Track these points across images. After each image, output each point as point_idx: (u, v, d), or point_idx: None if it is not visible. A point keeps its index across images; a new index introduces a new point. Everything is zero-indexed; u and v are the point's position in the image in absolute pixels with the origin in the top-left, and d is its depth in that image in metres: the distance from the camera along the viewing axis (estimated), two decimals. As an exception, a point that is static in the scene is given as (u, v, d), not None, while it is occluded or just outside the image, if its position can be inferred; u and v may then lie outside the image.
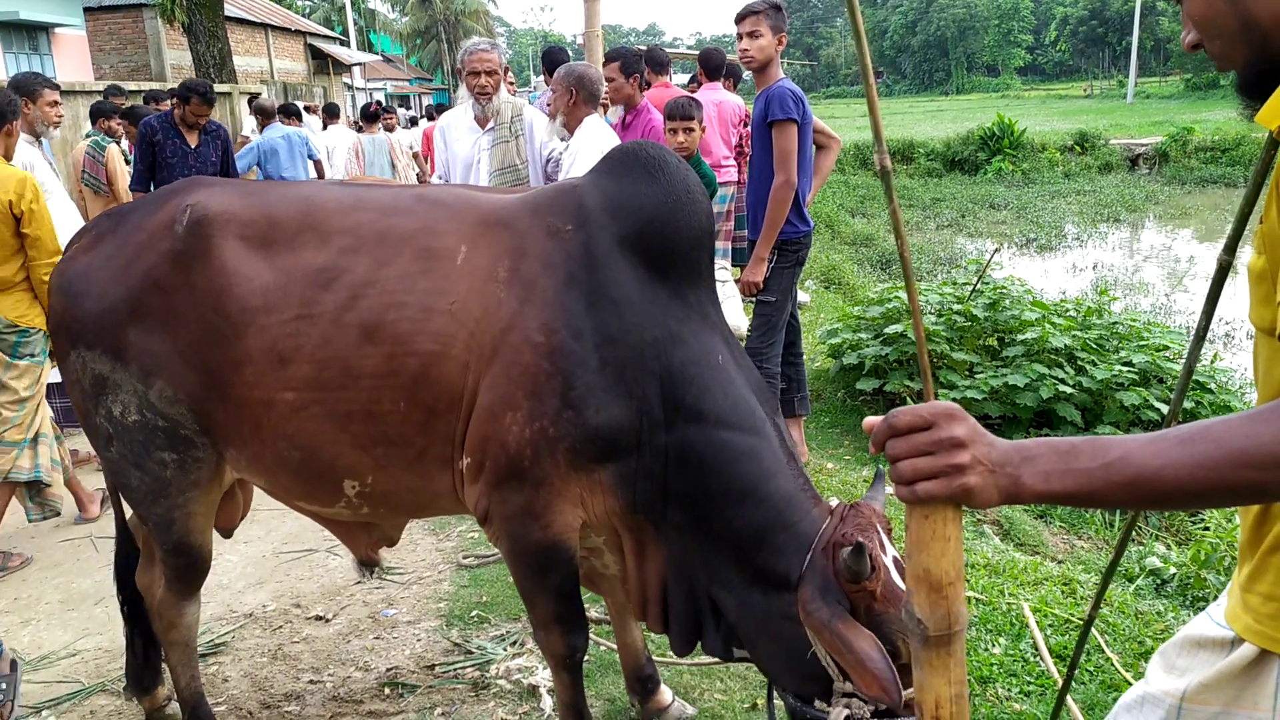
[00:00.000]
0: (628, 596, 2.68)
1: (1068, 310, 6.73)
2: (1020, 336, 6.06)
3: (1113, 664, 3.28)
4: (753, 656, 2.47)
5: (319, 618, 3.89)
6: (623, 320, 2.39)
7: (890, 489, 4.45)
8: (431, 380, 2.43)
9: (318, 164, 10.35)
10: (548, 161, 5.40)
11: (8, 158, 4.61)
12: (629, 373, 2.38)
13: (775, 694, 2.50)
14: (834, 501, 2.42)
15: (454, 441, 2.49)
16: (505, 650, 3.52)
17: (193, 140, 6.90)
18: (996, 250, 7.01)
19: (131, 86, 13.53)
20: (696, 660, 3.22)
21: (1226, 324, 10.01)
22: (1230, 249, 1.66)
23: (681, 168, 2.52)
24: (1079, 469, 1.21)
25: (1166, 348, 6.23)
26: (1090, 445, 1.24)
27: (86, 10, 23.39)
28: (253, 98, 15.32)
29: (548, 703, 3.16)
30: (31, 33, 22.00)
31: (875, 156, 1.15)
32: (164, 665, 3.11)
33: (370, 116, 12.23)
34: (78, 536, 4.79)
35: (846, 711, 2.19)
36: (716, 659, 2.61)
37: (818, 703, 2.30)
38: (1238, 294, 1.40)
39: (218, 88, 15.62)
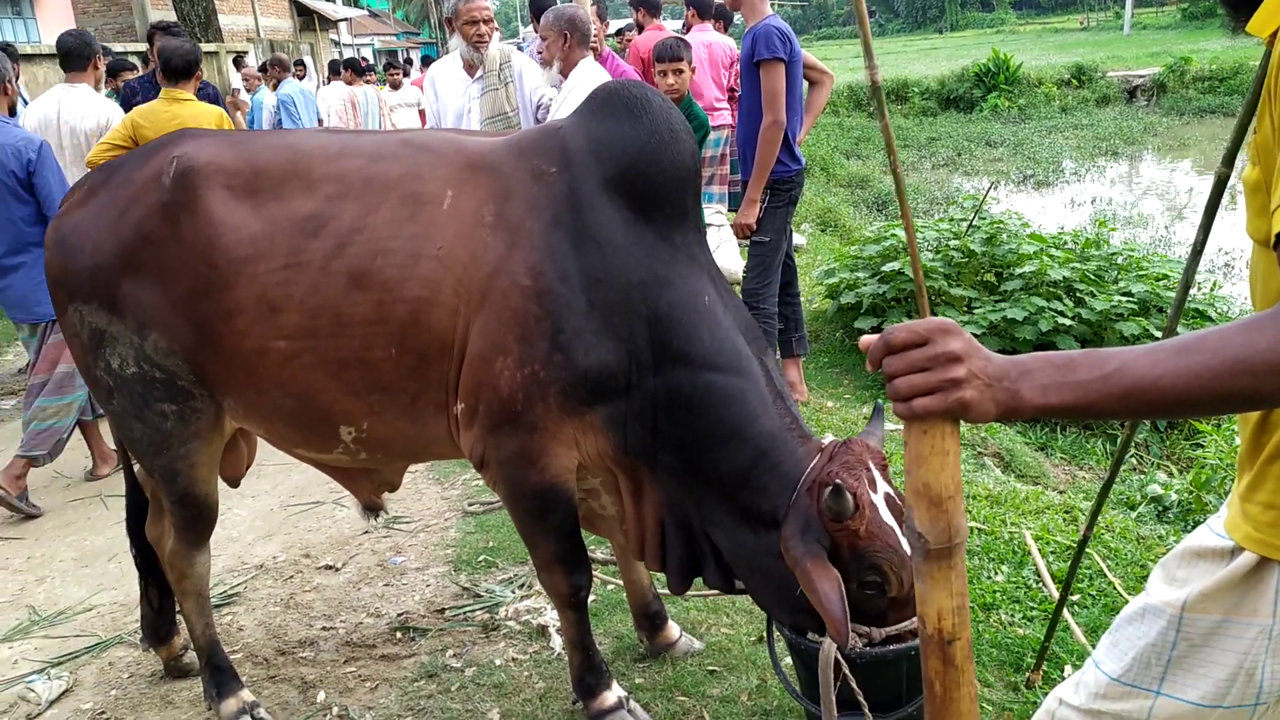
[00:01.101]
0: (625, 537, 2.71)
1: (1066, 243, 6.71)
2: (1018, 270, 6.06)
3: (1115, 587, 3.32)
4: (749, 590, 2.52)
5: (329, 567, 3.94)
6: (608, 262, 2.39)
7: (893, 425, 4.46)
8: (421, 326, 2.43)
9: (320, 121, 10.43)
10: (538, 108, 5.35)
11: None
12: (616, 315, 2.38)
13: (775, 627, 2.54)
14: (828, 439, 2.44)
15: (447, 386, 2.51)
16: (513, 593, 3.57)
17: None
18: (994, 185, 6.97)
19: (118, 48, 13.36)
20: (702, 592, 3.26)
21: (1225, 254, 9.99)
22: (1228, 161, 1.66)
23: (665, 107, 2.49)
24: (1076, 381, 1.22)
25: (1166, 277, 6.22)
26: (1087, 357, 1.25)
27: (68, -29, 23.03)
28: (239, 56, 15.17)
29: (557, 642, 3.21)
30: (13, -4, 21.69)
31: (866, 71, 1.15)
32: (179, 616, 3.16)
33: (359, 70, 12.11)
34: (88, 495, 4.83)
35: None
36: (719, 591, 2.64)
37: (811, 635, 2.34)
38: (1238, 224, 1.40)
39: (204, 47, 15.44)
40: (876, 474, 2.28)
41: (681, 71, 5.25)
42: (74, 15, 21.95)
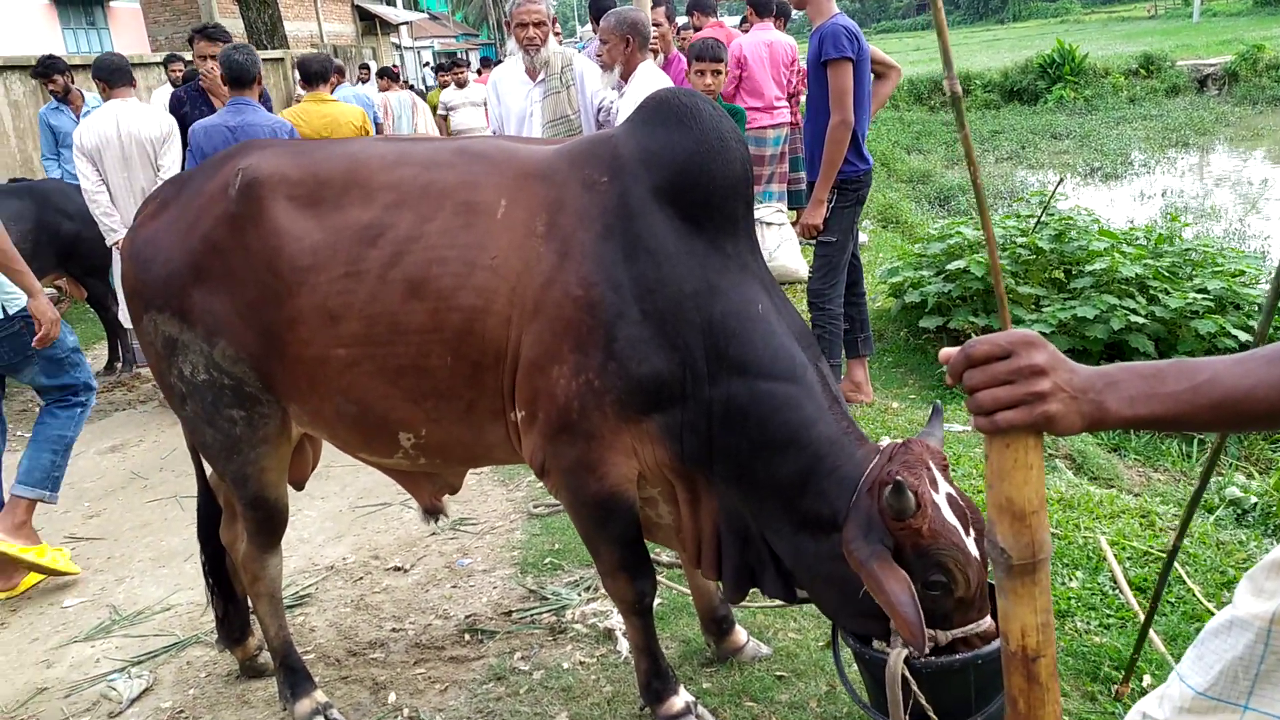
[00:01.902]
0: (682, 546, 2.70)
1: (1137, 238, 6.55)
2: (1088, 267, 5.92)
3: (1194, 595, 3.24)
4: (812, 598, 2.50)
5: (397, 568, 3.99)
6: (660, 271, 2.39)
7: (961, 425, 4.40)
8: (475, 334, 2.45)
9: (378, 126, 10.63)
10: (599, 110, 5.37)
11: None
12: (669, 324, 2.38)
13: (840, 636, 2.52)
14: (884, 441, 2.41)
15: (502, 394, 2.53)
16: (579, 595, 3.58)
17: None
18: (1061, 180, 6.83)
19: (188, 56, 13.64)
20: (766, 603, 3.25)
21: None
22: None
23: (716, 115, 2.49)
24: (1166, 392, 1.19)
25: (1243, 273, 6.05)
26: (1176, 367, 1.22)
27: (139, -18, 23.65)
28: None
29: (624, 645, 3.21)
30: (88, 7, 22.33)
31: (945, 83, 1.13)
32: (253, 617, 3.22)
33: (394, 77, 13.19)
34: (164, 497, 4.95)
35: (905, 651, 2.21)
36: (780, 600, 2.63)
37: (876, 643, 2.32)
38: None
39: (270, 54, 15.73)
40: (937, 473, 2.25)
41: (720, 73, 5.23)
42: (145, 25, 22.50)
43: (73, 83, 8.24)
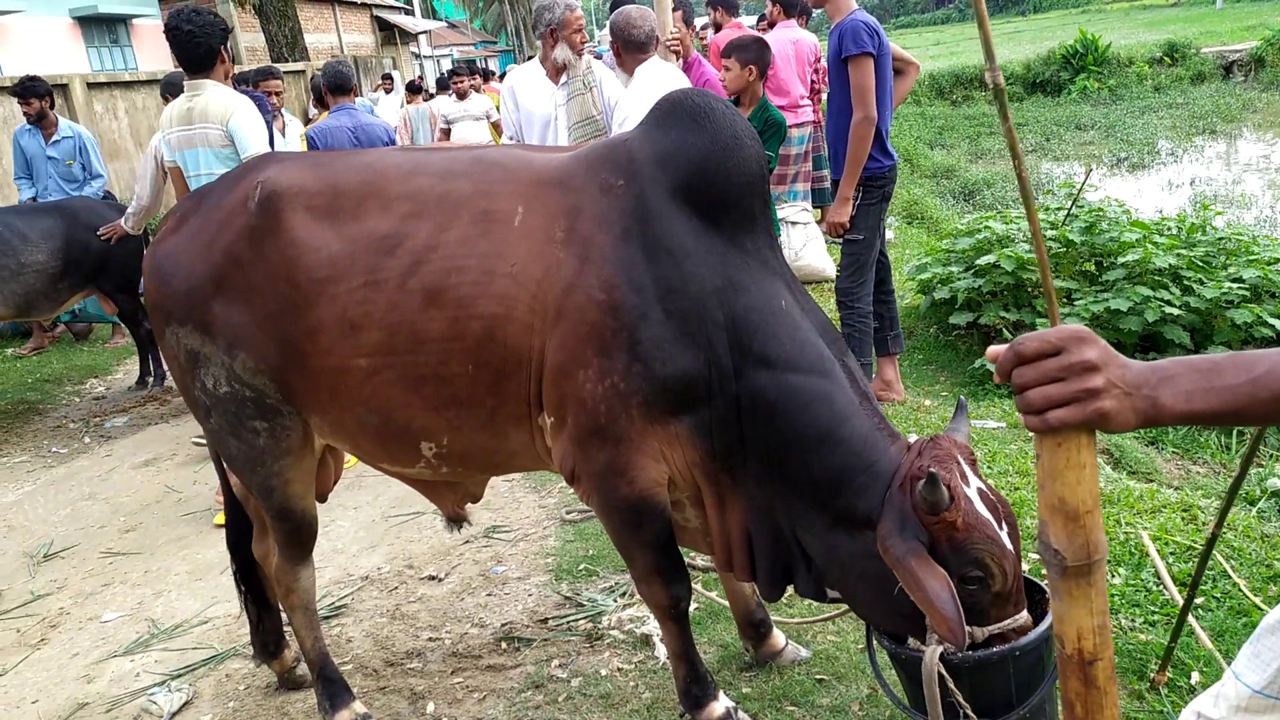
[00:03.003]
0: (711, 549, 2.68)
1: (1169, 228, 6.46)
2: (1121, 259, 5.84)
3: (1240, 589, 3.18)
4: (844, 597, 2.47)
5: (432, 577, 3.98)
6: (681, 271, 2.38)
7: (995, 422, 4.35)
8: (496, 342, 2.45)
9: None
10: (615, 108, 5.35)
11: None
12: (693, 323, 2.37)
13: (875, 638, 2.49)
14: (913, 438, 2.39)
15: (525, 401, 2.52)
16: (615, 601, 3.56)
17: None
18: (1089, 172, 6.76)
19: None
20: (819, 617, 3.23)
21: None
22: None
23: (729, 114, 2.49)
24: (1223, 386, 1.16)
25: (1278, 260, 5.95)
26: (1232, 360, 1.19)
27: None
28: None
29: (661, 651, 3.19)
30: (111, 25, 22.57)
31: (987, 75, 1.10)
32: (288, 629, 3.22)
33: (415, 89, 13.10)
34: (198, 510, 4.97)
35: (940, 648, 2.18)
36: (812, 599, 2.60)
37: (911, 641, 2.29)
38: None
39: (291, 66, 15.83)
40: (967, 468, 2.23)
41: (729, 70, 5.20)
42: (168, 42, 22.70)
43: (51, 106, 8.21)
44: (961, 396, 2.46)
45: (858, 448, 2.33)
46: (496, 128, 10.54)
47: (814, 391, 2.35)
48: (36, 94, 8.11)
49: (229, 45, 4.97)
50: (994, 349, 1.26)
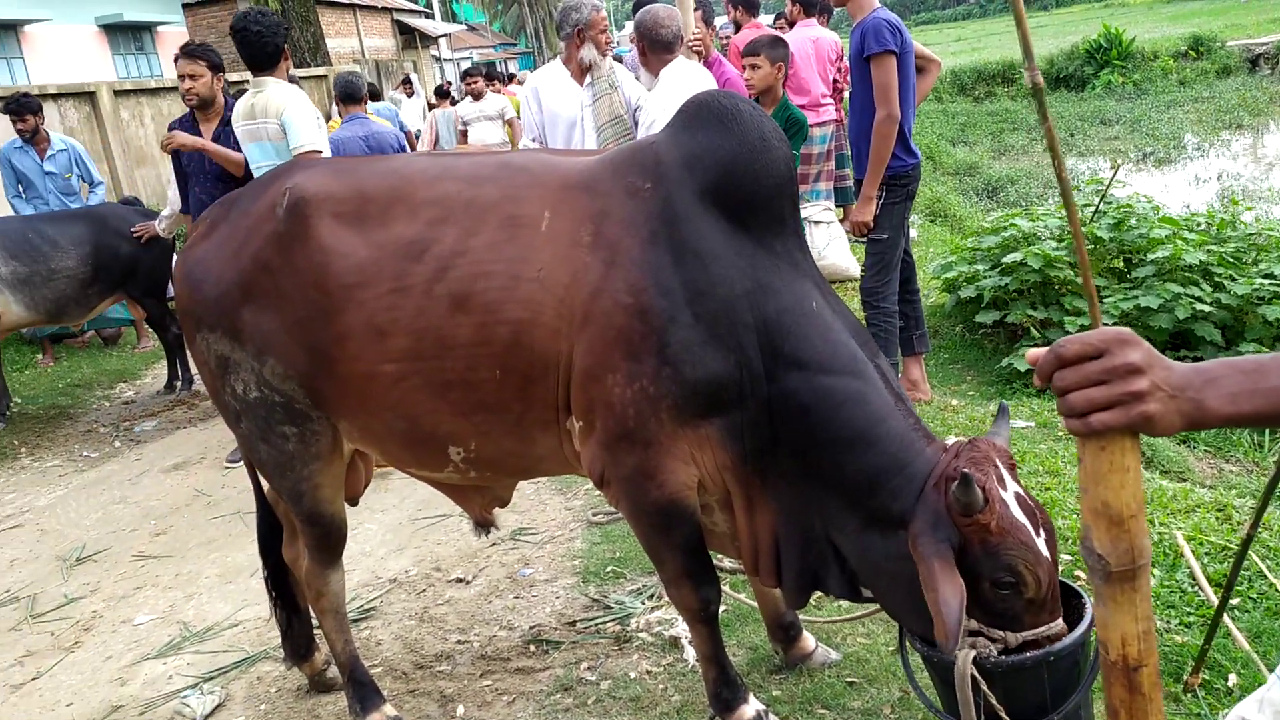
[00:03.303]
0: (738, 553, 2.67)
1: (1199, 224, 6.40)
2: (1150, 255, 5.79)
3: (1277, 589, 3.14)
4: (877, 598, 2.46)
5: (460, 580, 3.99)
6: (710, 274, 2.37)
7: (1024, 421, 4.30)
8: (523, 347, 2.44)
9: (408, 135, 10.57)
10: (636, 110, 5.34)
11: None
12: (722, 326, 2.36)
13: (908, 640, 2.48)
14: (951, 439, 2.37)
15: (552, 405, 2.51)
16: (643, 604, 3.56)
17: (207, 135, 5.62)
18: (1117, 168, 6.69)
19: (234, 77, 13.86)
20: (850, 616, 3.21)
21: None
22: None
23: (756, 114, 2.47)
24: (1270, 387, 1.14)
25: (1310, 256, 5.89)
26: (1277, 362, 1.17)
27: (185, 6, 24.07)
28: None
29: (690, 653, 3.18)
30: (136, 33, 22.77)
31: (1026, 74, 1.09)
32: (318, 632, 3.24)
33: (443, 94, 13.06)
34: (227, 513, 5.00)
35: (973, 653, 2.16)
36: (846, 599, 2.59)
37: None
38: None
39: (312, 71, 15.90)
40: (1004, 472, 2.21)
41: (757, 67, 5.19)
42: (236, 42, 22.90)
43: (42, 123, 8.19)
44: (1003, 401, 2.44)
45: (893, 449, 2.31)
46: (512, 126, 10.55)
47: (848, 393, 2.34)
48: (31, 110, 8.03)
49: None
50: (1033, 352, 1.25)
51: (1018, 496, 2.18)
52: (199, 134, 5.58)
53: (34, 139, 8.09)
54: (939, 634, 2.06)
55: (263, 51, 5.06)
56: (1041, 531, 2.16)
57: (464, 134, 10.69)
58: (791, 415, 2.37)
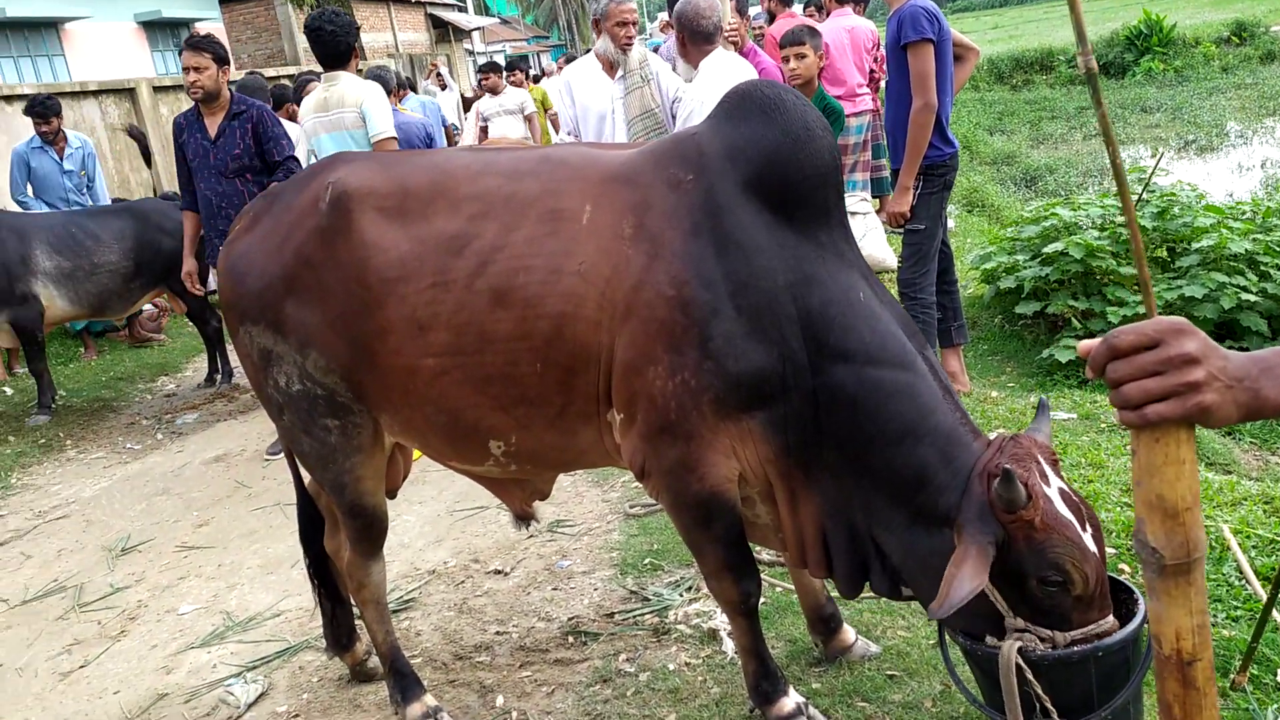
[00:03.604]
0: (783, 545, 2.65)
1: (1244, 213, 6.29)
2: (1194, 245, 5.70)
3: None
4: (918, 596, 2.43)
5: (498, 571, 4.01)
6: (753, 266, 2.35)
7: (1065, 414, 4.26)
8: (565, 340, 2.44)
9: (448, 130, 10.49)
10: (673, 103, 5.32)
11: None
12: (765, 319, 2.34)
13: (948, 633, 2.45)
14: (995, 434, 2.34)
15: (594, 398, 2.51)
16: (681, 596, 3.55)
17: (212, 129, 5.64)
18: (1160, 156, 6.60)
19: (270, 72, 14.00)
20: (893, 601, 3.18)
21: None
22: None
23: (800, 104, 2.45)
24: None
25: (1358, 244, 5.77)
26: None
27: (221, 3, 24.28)
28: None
29: (729, 645, 3.18)
30: (174, 29, 23.01)
31: (1079, 59, 1.07)
32: (359, 623, 3.27)
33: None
34: (267, 505, 5.06)
35: (1019, 643, 2.14)
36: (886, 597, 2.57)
37: (989, 639, 2.25)
38: None
39: (349, 65, 15.99)
40: (1047, 468, 2.18)
41: (804, 56, 5.15)
42: (229, 44, 23.08)
43: (61, 124, 8.32)
44: (1043, 396, 2.41)
45: (941, 443, 2.29)
46: (532, 122, 10.45)
47: (896, 385, 2.32)
48: (54, 112, 8.17)
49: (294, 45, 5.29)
50: (1086, 343, 1.23)
51: (1061, 492, 2.15)
52: (204, 127, 5.67)
53: (55, 140, 8.24)
54: (934, 603, 2.06)
55: (336, 49, 5.37)
56: (1088, 527, 2.13)
57: (484, 130, 10.52)
58: (837, 408, 2.35)
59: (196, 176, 5.69)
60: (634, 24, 5.09)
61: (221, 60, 5.62)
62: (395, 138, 5.46)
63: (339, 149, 5.16)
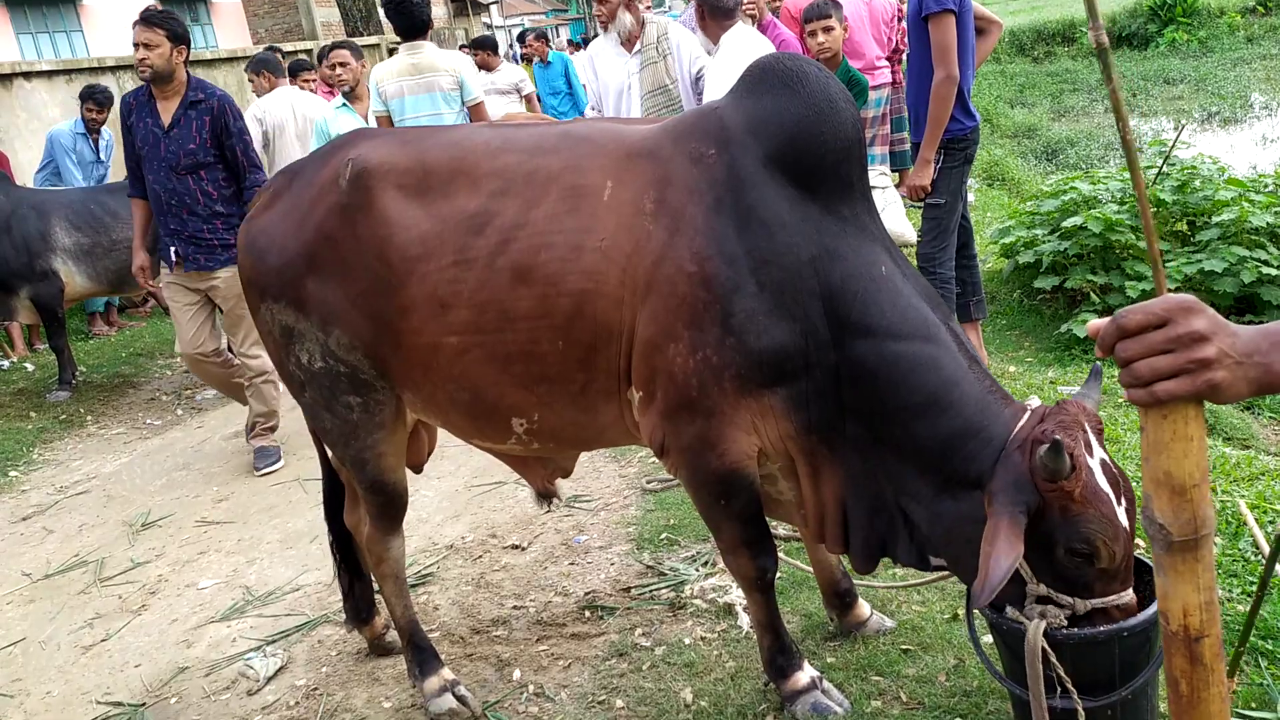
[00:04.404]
0: (804, 521, 2.66)
1: (1266, 185, 6.20)
2: (1215, 218, 5.63)
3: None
4: (949, 564, 2.42)
5: (515, 546, 4.04)
6: (775, 241, 2.34)
7: (1078, 388, 4.24)
8: (586, 317, 2.44)
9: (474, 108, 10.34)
10: (697, 78, 5.30)
11: None
12: (788, 294, 2.33)
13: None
14: (1034, 401, 2.33)
15: (615, 375, 2.51)
16: (697, 571, 3.57)
17: (166, 116, 5.04)
18: (1180, 129, 6.53)
19: (288, 47, 13.97)
20: (908, 583, 3.21)
21: None
22: None
23: (822, 77, 2.42)
24: None
25: (1382, 217, 5.69)
26: None
27: (238, -24, 24.27)
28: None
29: (744, 620, 3.20)
30: (191, 4, 23.04)
31: (1090, 34, 1.06)
32: (378, 597, 3.30)
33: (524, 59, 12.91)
34: (287, 480, 5.11)
35: (1043, 623, 2.14)
36: (914, 568, 2.57)
37: (1010, 609, 2.25)
38: None
39: (366, 40, 15.96)
40: (1093, 438, 2.16)
41: (831, 29, 5.11)
42: (246, 18, 23.07)
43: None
44: (1097, 363, 2.38)
45: (969, 413, 2.27)
46: (530, 102, 10.17)
47: (919, 357, 2.31)
48: (108, 103, 8.20)
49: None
50: (1095, 323, 1.23)
51: (1103, 464, 2.13)
52: (155, 111, 5.05)
53: (97, 129, 8.27)
54: (976, 585, 2.02)
55: (418, 19, 5.69)
56: (1123, 500, 2.12)
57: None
58: (861, 382, 2.35)
59: (146, 166, 5.10)
60: (601, 1, 5.16)
61: (178, 38, 5.00)
62: (484, 102, 6.02)
63: (433, 109, 5.73)
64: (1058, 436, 2.05)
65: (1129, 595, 2.17)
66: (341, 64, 6.31)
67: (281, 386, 5.05)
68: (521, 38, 10.65)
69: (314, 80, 8.12)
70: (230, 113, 5.09)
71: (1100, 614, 2.17)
